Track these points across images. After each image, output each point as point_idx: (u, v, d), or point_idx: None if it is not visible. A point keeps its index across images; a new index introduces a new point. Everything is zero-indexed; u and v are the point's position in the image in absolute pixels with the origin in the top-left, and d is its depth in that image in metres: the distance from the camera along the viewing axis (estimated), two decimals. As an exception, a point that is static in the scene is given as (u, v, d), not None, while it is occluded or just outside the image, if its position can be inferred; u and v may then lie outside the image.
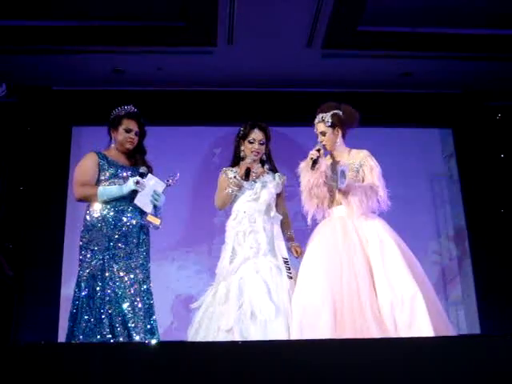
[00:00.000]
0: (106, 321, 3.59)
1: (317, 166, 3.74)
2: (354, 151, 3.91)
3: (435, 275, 6.17)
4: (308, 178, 3.79)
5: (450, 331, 3.42)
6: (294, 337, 3.37)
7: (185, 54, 6.24)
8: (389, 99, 6.91)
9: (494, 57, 6.34)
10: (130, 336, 3.58)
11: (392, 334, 3.26)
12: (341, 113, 3.89)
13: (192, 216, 6.58)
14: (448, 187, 6.86)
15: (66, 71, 6.43)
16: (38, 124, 6.59)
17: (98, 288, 3.66)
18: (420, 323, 3.27)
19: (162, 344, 3.29)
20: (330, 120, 3.86)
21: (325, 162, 3.81)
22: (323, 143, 3.86)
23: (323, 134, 3.87)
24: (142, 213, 3.86)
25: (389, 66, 6.49)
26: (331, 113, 3.88)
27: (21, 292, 6.05)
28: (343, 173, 3.66)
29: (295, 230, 4.11)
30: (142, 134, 4.05)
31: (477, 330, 6.14)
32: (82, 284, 3.68)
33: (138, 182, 3.79)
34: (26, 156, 6.47)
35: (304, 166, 3.85)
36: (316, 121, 3.93)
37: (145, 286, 3.80)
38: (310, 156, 3.77)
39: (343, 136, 3.93)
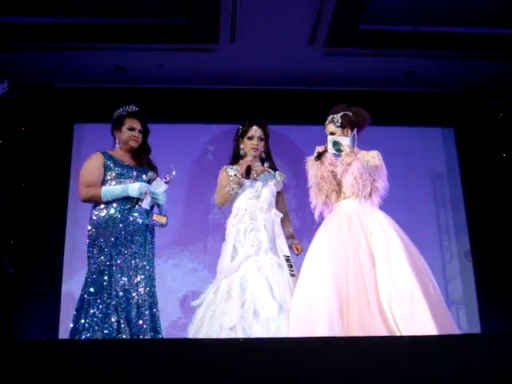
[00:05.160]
0: (112, 317, 3.61)
1: (322, 158, 3.80)
2: (363, 152, 3.91)
3: (436, 274, 6.16)
4: (315, 170, 3.84)
5: (453, 327, 3.43)
6: (295, 330, 3.37)
7: (187, 51, 6.24)
8: (391, 98, 6.90)
9: (497, 56, 6.34)
10: (133, 332, 3.59)
11: (393, 328, 3.28)
12: (351, 114, 3.91)
13: (186, 213, 6.55)
14: (449, 186, 6.86)
15: (68, 68, 6.42)
16: (39, 121, 6.58)
17: (105, 283, 3.69)
18: (420, 318, 3.28)
19: (164, 341, 3.31)
20: (339, 120, 3.88)
21: (330, 157, 3.84)
22: None
23: (333, 134, 3.88)
24: (148, 213, 3.90)
25: (391, 64, 6.48)
26: (341, 114, 3.90)
27: (22, 288, 6.05)
28: (336, 143, 3.72)
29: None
30: (145, 133, 4.08)
31: (477, 330, 6.14)
32: (89, 280, 3.71)
33: (146, 192, 3.82)
34: (27, 153, 6.47)
35: (311, 160, 3.89)
36: (326, 122, 3.95)
37: (150, 285, 3.83)
38: (316, 150, 3.83)
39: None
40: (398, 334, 3.25)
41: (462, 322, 6.24)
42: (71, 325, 3.70)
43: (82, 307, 3.67)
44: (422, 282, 3.45)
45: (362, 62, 6.44)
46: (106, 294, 3.65)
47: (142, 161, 4.05)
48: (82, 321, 3.61)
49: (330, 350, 2.50)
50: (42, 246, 6.19)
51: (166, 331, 5.79)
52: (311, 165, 3.89)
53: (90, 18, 5.82)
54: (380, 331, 3.24)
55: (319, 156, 3.81)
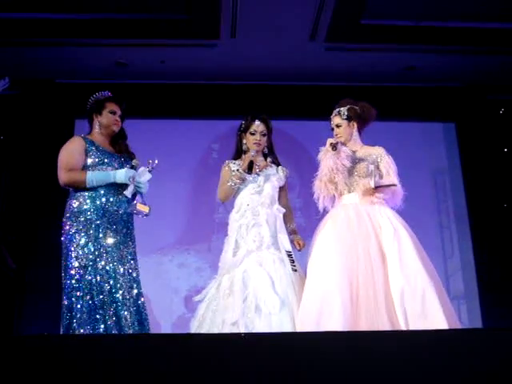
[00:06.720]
0: (99, 310, 3.56)
1: (338, 148, 3.79)
2: (368, 147, 3.93)
3: (437, 269, 6.16)
4: (329, 161, 3.81)
5: (456, 322, 3.44)
6: (308, 323, 3.37)
7: (188, 46, 6.23)
8: (392, 93, 6.89)
9: (498, 50, 6.33)
10: (120, 325, 3.55)
11: (402, 324, 3.29)
12: (357, 107, 3.94)
13: (191, 213, 6.54)
14: (451, 181, 6.85)
15: (69, 64, 6.42)
16: (40, 117, 6.58)
17: (89, 277, 3.60)
18: (432, 314, 3.30)
19: (166, 336, 3.31)
20: (345, 113, 3.91)
21: (346, 148, 3.86)
22: (338, 136, 3.90)
23: (338, 126, 3.92)
24: (128, 202, 3.84)
25: (391, 59, 6.48)
26: (348, 106, 3.93)
27: (23, 284, 6.06)
28: (372, 171, 3.73)
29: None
30: (122, 118, 4.03)
31: (479, 325, 6.14)
32: (74, 274, 3.62)
33: (133, 178, 3.77)
34: (28, 149, 6.47)
35: (325, 151, 3.87)
36: (332, 115, 3.98)
37: (135, 275, 3.79)
38: (328, 141, 3.83)
39: (359, 132, 3.97)
40: (403, 329, 3.26)
41: (463, 317, 6.23)
42: (62, 322, 3.64)
43: (69, 304, 3.59)
44: (432, 277, 3.46)
45: (362, 56, 6.43)
46: (91, 289, 3.58)
47: (120, 147, 3.98)
48: (72, 317, 3.56)
49: (333, 345, 2.50)
50: (43, 242, 6.18)
51: (170, 327, 5.83)
52: (325, 155, 3.87)
53: (90, 13, 5.81)
54: (385, 326, 3.25)
55: (335, 147, 3.81)
